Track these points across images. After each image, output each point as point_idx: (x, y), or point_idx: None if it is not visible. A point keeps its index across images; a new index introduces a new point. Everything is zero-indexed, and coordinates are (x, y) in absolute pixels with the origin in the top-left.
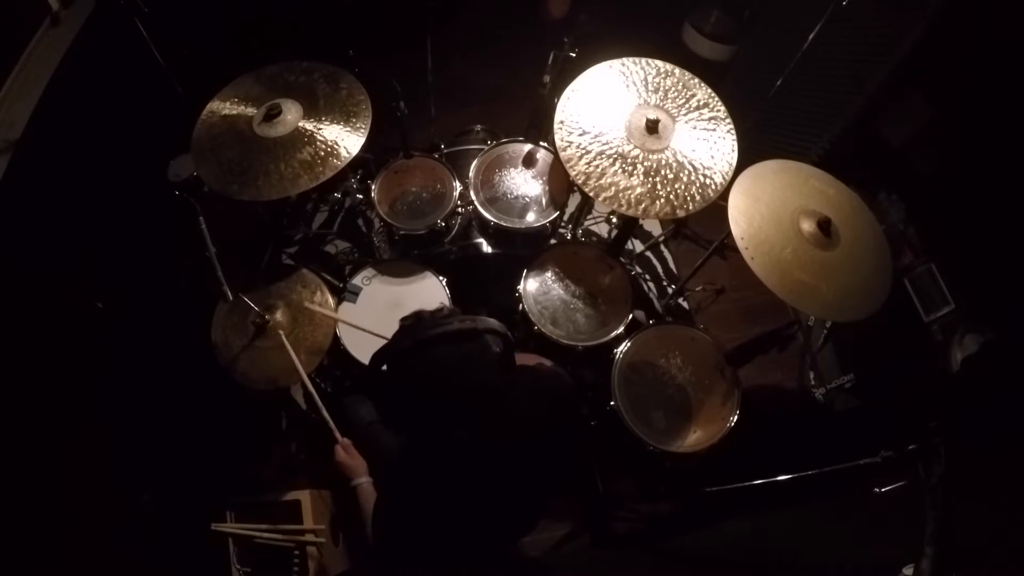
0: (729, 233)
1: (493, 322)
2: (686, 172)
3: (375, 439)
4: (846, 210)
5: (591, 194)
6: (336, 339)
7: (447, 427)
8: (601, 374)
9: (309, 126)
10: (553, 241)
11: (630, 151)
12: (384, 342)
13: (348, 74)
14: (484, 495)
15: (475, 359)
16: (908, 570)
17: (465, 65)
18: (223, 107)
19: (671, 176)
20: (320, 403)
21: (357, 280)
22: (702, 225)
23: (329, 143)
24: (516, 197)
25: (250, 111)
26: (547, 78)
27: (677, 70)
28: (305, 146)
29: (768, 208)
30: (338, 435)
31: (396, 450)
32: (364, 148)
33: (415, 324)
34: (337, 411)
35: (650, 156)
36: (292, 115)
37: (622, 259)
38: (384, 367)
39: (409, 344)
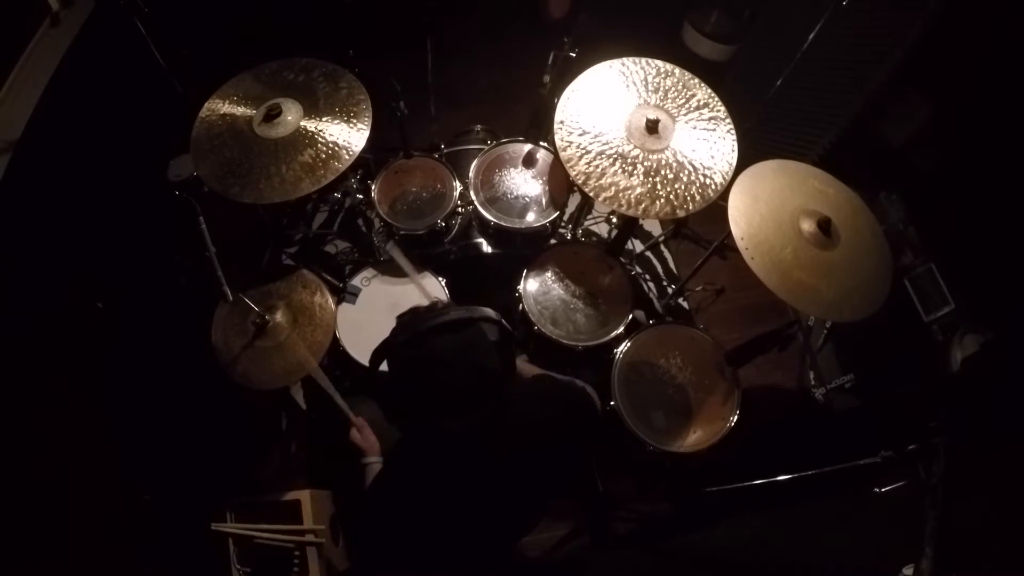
0: (729, 233)
1: (488, 311)
2: (686, 172)
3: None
4: (846, 210)
5: (591, 194)
6: (336, 339)
7: (448, 422)
8: (601, 374)
9: (310, 127)
10: (553, 241)
11: (630, 151)
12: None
13: (348, 73)
14: (484, 495)
15: (472, 345)
16: (908, 570)
17: (465, 65)
18: (222, 105)
19: (671, 176)
20: (332, 387)
21: (357, 281)
22: (702, 225)
23: (330, 145)
24: (516, 197)
25: (250, 110)
26: (547, 78)
27: (677, 70)
28: (306, 148)
29: (768, 208)
30: (352, 416)
31: (394, 446)
32: (364, 148)
33: (412, 318)
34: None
35: (650, 156)
36: (292, 115)
37: (622, 259)
38: (384, 362)
39: (407, 337)
